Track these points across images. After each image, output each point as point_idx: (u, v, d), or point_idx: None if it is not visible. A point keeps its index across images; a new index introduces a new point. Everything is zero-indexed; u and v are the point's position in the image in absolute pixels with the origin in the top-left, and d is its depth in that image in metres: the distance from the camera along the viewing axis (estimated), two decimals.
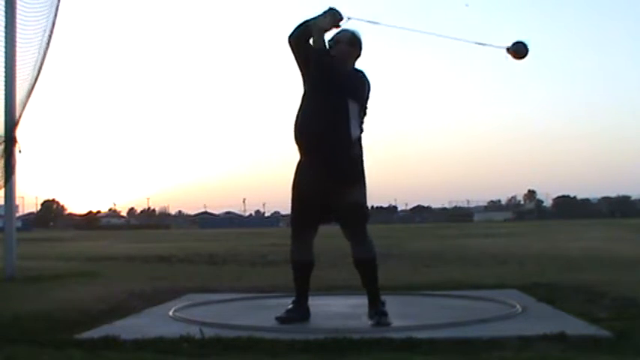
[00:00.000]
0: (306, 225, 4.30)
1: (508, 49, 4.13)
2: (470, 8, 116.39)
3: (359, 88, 4.22)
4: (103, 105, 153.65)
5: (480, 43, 4.27)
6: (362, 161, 4.24)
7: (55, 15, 7.60)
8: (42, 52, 7.60)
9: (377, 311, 4.15)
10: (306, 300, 4.35)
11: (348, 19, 4.15)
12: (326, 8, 4.10)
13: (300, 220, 4.30)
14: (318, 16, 4.11)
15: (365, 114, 4.25)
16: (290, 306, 4.32)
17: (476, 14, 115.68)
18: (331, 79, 4.15)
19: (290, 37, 4.20)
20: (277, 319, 4.20)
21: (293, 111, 4.29)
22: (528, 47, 4.11)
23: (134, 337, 3.68)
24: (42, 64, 7.65)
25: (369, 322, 4.10)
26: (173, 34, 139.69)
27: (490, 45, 4.20)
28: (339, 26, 4.16)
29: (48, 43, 7.61)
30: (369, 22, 4.26)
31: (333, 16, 4.10)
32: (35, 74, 7.64)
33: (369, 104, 4.28)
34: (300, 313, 4.27)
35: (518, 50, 4.14)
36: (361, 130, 4.21)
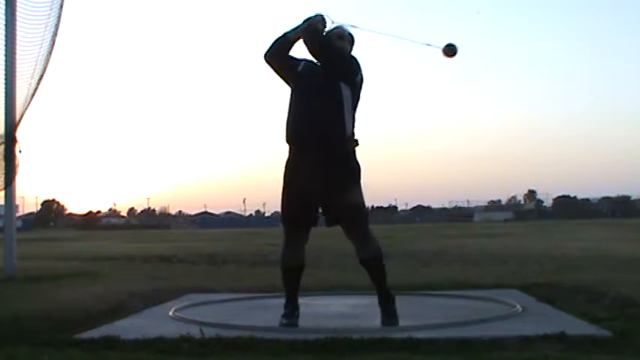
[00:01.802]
0: (299, 227, 4.22)
1: (443, 50, 4.37)
2: (474, 9, 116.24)
3: (350, 70, 4.16)
4: (103, 105, 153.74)
5: (427, 44, 4.44)
6: (356, 158, 4.16)
7: (59, 16, 7.60)
8: (44, 53, 7.60)
9: (387, 311, 4.17)
10: (297, 301, 4.29)
11: (333, 23, 4.22)
12: (314, 14, 4.16)
13: (293, 223, 4.21)
14: (300, 25, 4.18)
15: (357, 103, 4.19)
16: (285, 310, 4.24)
17: (475, 15, 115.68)
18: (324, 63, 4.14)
19: (265, 55, 4.27)
20: (282, 325, 4.13)
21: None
22: (456, 49, 4.37)
23: (134, 337, 3.68)
24: (46, 65, 7.65)
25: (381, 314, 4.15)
26: (173, 34, 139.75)
27: (433, 45, 4.40)
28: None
29: (52, 45, 7.61)
30: (351, 26, 4.32)
31: (321, 21, 4.16)
32: (38, 75, 7.64)
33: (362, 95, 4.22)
34: (295, 317, 4.22)
35: (450, 50, 4.37)
36: (354, 123, 4.16)
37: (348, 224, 4.16)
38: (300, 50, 4.27)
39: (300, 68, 4.25)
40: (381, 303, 4.21)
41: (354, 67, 4.20)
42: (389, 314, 4.15)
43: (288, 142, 4.18)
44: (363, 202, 4.19)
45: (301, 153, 4.11)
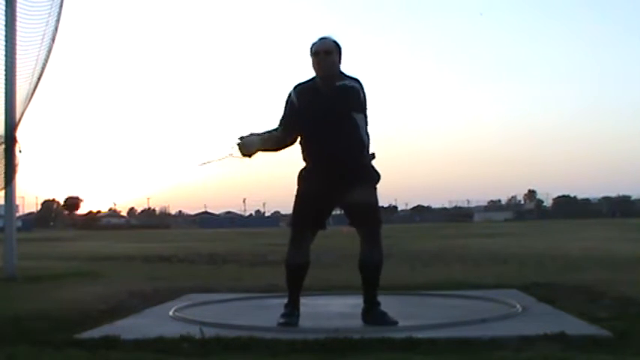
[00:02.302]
0: (309, 230, 4.26)
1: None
2: (475, 9, 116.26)
3: (355, 97, 4.18)
4: (103, 105, 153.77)
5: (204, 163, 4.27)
6: (374, 169, 4.27)
7: (59, 16, 7.60)
8: (44, 53, 7.60)
9: (378, 314, 4.16)
10: (298, 301, 4.30)
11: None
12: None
13: (304, 226, 4.25)
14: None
15: (367, 117, 4.26)
16: (285, 310, 4.24)
17: (475, 15, 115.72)
18: (326, 110, 4.15)
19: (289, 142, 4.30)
20: (280, 325, 4.12)
21: None
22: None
23: (134, 337, 3.68)
24: (45, 65, 7.65)
25: (368, 322, 4.12)
26: (173, 34, 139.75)
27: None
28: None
29: (51, 45, 7.61)
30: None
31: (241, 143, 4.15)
32: (37, 75, 7.64)
33: (368, 108, 4.29)
34: (296, 317, 4.22)
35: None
36: (368, 138, 4.23)
37: (367, 223, 4.22)
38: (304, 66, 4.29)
39: (296, 102, 4.25)
40: (369, 309, 4.21)
41: (354, 99, 4.17)
42: (382, 315, 4.15)
43: (306, 161, 4.26)
44: (377, 204, 4.26)
45: (322, 171, 4.17)
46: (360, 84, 4.22)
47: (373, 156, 4.27)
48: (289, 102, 4.27)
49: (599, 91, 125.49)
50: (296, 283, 4.27)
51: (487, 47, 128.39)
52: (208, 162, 4.23)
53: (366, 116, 4.22)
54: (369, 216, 4.23)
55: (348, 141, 4.12)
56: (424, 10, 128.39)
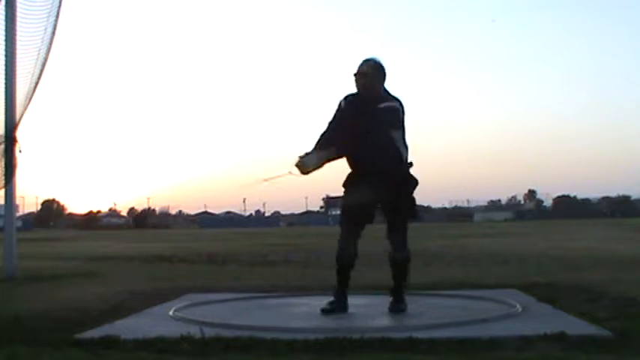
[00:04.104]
0: (359, 226, 4.61)
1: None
2: (469, 6, 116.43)
3: (394, 118, 4.55)
4: (103, 105, 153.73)
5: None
6: (411, 176, 4.64)
7: (57, 16, 7.61)
8: (43, 53, 7.60)
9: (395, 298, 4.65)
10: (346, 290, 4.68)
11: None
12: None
13: (355, 222, 4.60)
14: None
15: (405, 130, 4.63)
16: (332, 299, 4.58)
17: (475, 15, 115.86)
18: (366, 122, 4.50)
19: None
20: (322, 310, 4.46)
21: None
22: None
23: (134, 337, 3.68)
24: (44, 64, 7.66)
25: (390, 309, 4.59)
26: (173, 34, 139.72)
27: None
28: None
29: (50, 44, 7.62)
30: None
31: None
32: (37, 75, 7.64)
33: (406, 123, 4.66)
34: (342, 304, 4.57)
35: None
36: (406, 150, 4.61)
37: (393, 225, 4.63)
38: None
39: (343, 106, 4.63)
40: (395, 302, 4.65)
41: (395, 117, 4.55)
42: (397, 300, 4.63)
43: (352, 168, 4.64)
44: (409, 208, 4.67)
45: (366, 176, 4.52)
46: (401, 103, 4.58)
47: (411, 164, 4.63)
48: (339, 109, 4.63)
49: (599, 91, 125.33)
50: (346, 275, 4.66)
51: (487, 47, 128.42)
52: (270, 179, 4.51)
53: (404, 131, 4.59)
54: (398, 218, 4.64)
55: (385, 155, 4.47)
56: (424, 10, 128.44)
